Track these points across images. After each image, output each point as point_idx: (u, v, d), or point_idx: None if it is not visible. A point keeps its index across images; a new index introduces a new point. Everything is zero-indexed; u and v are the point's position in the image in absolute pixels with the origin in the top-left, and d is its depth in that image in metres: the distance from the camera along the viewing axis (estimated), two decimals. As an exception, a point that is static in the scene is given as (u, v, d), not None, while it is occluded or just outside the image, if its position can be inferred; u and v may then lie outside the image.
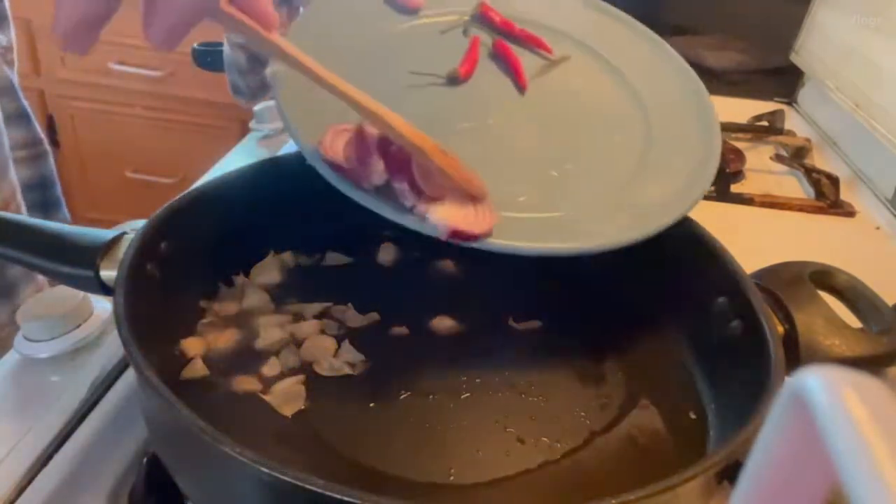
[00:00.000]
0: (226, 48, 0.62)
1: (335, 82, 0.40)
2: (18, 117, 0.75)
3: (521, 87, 0.54)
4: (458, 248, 0.56)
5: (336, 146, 0.42)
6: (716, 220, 0.50)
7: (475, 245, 0.42)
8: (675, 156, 0.50)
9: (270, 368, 0.44)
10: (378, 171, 0.41)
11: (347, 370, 0.44)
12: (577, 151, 0.51)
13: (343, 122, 0.43)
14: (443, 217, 0.41)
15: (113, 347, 0.50)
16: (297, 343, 0.46)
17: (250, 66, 0.51)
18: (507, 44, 0.55)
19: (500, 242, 0.42)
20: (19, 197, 0.76)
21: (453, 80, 0.52)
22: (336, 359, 0.45)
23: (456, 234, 0.41)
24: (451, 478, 0.38)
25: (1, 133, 0.72)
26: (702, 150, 0.50)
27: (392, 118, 0.41)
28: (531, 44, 0.56)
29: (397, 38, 0.53)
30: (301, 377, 0.43)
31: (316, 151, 0.43)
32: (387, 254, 0.55)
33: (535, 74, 0.55)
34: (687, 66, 0.56)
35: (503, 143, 0.51)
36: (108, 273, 0.41)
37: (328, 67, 0.41)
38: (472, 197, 0.43)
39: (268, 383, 0.43)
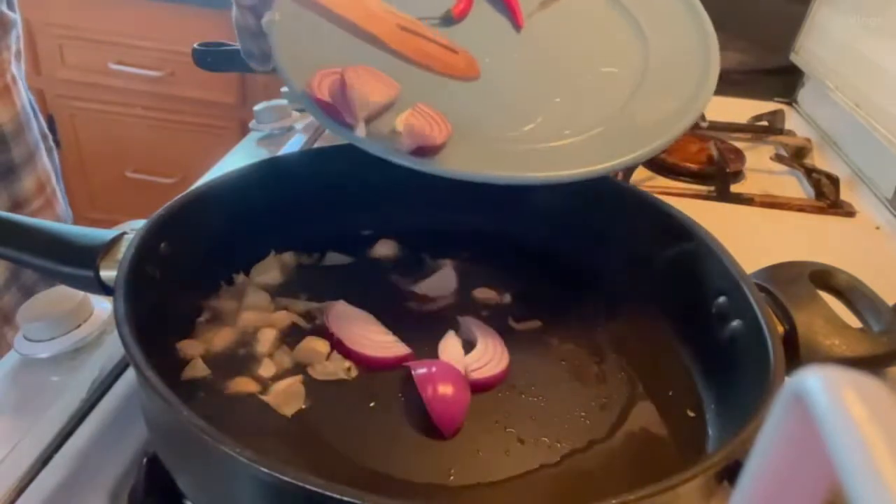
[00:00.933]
0: (234, 12, 0.59)
1: None
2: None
3: (517, 24, 0.53)
4: (460, 246, 0.56)
5: (323, 87, 0.47)
6: (716, 220, 0.50)
7: (450, 176, 0.44)
8: (664, 96, 0.50)
9: (270, 369, 0.43)
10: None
11: (342, 375, 0.43)
12: (568, 87, 0.51)
13: (330, 67, 0.47)
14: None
15: (113, 347, 0.50)
16: (290, 346, 0.45)
17: (260, 28, 0.50)
18: None
19: (474, 171, 0.44)
20: (55, 182, 0.76)
21: (447, 20, 0.52)
22: (329, 362, 0.44)
23: (420, 150, 0.44)
24: (451, 478, 0.38)
25: (28, 115, 0.72)
26: (692, 94, 0.50)
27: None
28: None
29: None
30: (300, 377, 0.43)
31: (304, 92, 0.47)
32: (384, 249, 0.55)
33: (535, 10, 0.54)
34: (701, 8, 0.54)
35: (497, 82, 0.51)
36: (108, 273, 0.41)
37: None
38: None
39: (267, 383, 0.42)
